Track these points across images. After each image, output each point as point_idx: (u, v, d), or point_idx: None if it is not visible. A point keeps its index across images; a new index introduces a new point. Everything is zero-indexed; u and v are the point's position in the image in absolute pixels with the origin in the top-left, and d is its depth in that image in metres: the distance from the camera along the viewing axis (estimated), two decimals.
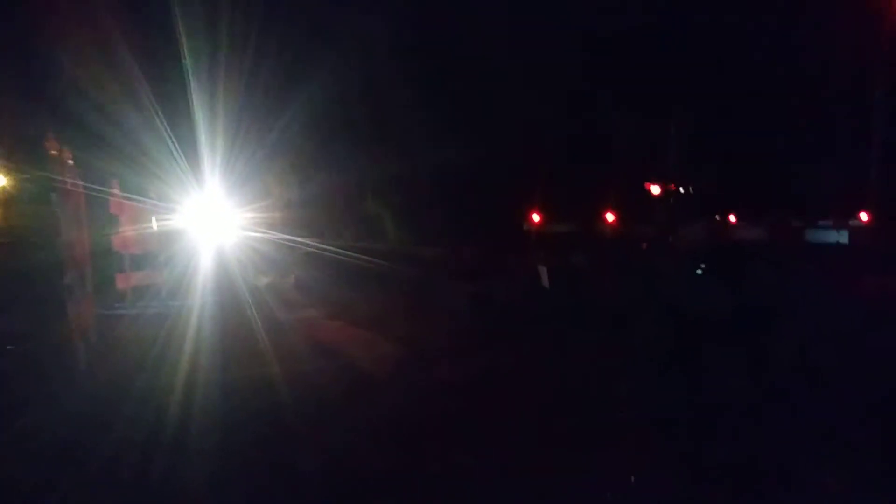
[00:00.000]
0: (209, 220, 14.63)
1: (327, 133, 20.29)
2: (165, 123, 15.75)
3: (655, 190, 17.32)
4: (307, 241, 17.44)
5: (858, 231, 17.37)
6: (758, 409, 6.48)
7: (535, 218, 17.39)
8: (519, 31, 18.45)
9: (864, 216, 18.57)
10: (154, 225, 13.02)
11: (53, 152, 7.95)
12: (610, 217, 16.10)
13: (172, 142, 15.38)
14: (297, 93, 18.41)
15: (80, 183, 8.63)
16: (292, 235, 17.86)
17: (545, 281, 12.80)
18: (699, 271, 11.99)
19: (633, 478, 5.19)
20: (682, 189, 17.50)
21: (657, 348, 8.69)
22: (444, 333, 10.44)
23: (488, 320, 11.27)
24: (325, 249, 16.81)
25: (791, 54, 16.83)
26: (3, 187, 33.87)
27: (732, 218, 18.03)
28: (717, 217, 15.84)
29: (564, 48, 18.90)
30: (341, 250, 16.53)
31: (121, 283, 11.58)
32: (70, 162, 8.30)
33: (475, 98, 19.85)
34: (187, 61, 17.62)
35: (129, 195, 12.24)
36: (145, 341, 8.96)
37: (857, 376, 7.19)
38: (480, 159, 19.29)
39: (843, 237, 17.04)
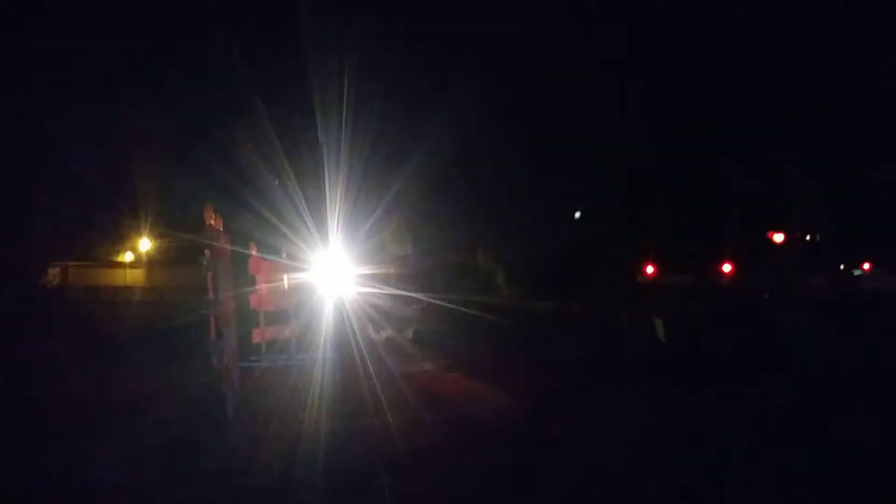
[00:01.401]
0: (332, 277, 15.61)
1: (440, 191, 21.10)
2: (296, 189, 17.25)
3: (778, 238, 16.69)
4: (422, 295, 18.13)
5: None
6: None
7: (650, 270, 17.19)
8: (633, 84, 18.70)
9: None
10: (285, 283, 14.02)
11: (211, 221, 8.96)
12: (727, 268, 15.65)
13: (301, 205, 16.81)
14: (412, 155, 19.50)
15: (229, 246, 9.59)
16: (407, 290, 18.64)
17: (661, 334, 12.64)
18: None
19: None
20: (806, 237, 16.77)
21: (781, 407, 8.42)
22: (558, 387, 10.56)
23: (602, 374, 11.27)
24: (439, 304, 17.37)
25: None
26: (148, 251, 37.15)
27: (866, 266, 17.00)
28: (843, 266, 15.01)
29: (681, 98, 18.92)
30: (455, 305, 16.99)
31: (256, 337, 12.49)
32: (221, 228, 9.29)
33: (588, 151, 20.12)
34: (319, 132, 19.28)
35: (264, 255, 13.32)
36: (280, 392, 9.72)
37: None
38: (592, 212, 19.41)
39: None
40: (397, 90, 19.78)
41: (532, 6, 19.97)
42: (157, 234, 33.49)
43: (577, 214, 21.37)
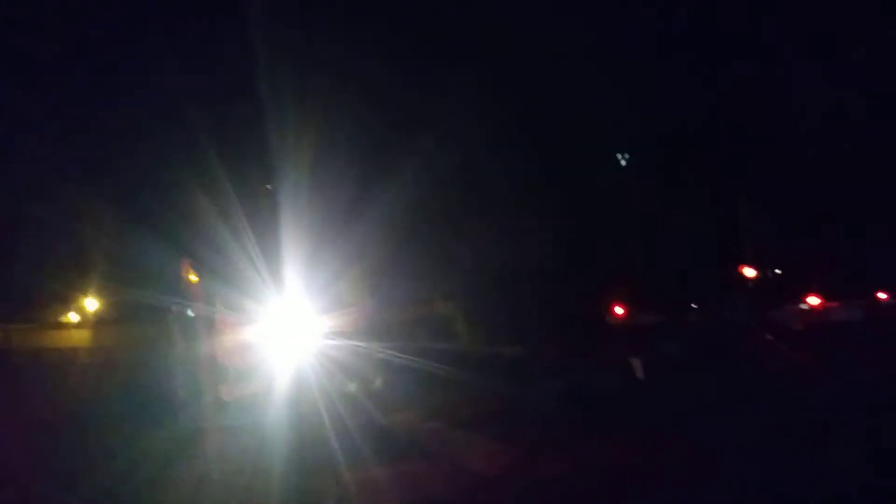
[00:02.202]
0: (293, 330, 15.33)
1: (399, 242, 21.09)
2: (256, 247, 16.92)
3: (749, 273, 17.13)
4: (383, 345, 17.87)
5: None
6: None
7: (619, 311, 17.42)
8: (591, 128, 19.23)
9: None
10: (252, 339, 13.70)
11: (192, 277, 8.72)
12: (695, 305, 16.01)
13: (262, 261, 16.50)
14: (368, 206, 19.49)
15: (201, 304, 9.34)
16: (368, 341, 18.36)
17: (640, 373, 12.74)
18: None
19: None
20: (767, 272, 17.33)
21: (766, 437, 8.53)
22: (541, 430, 10.46)
23: (583, 415, 11.23)
24: (402, 354, 17.15)
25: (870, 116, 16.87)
26: (96, 311, 35.84)
27: (816, 300, 17.61)
28: (807, 299, 15.56)
29: (635, 141, 19.56)
30: (418, 355, 16.80)
31: (225, 394, 12.10)
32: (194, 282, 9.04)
33: (547, 196, 20.48)
34: (275, 182, 19.12)
35: (230, 310, 13.00)
36: (259, 452, 9.34)
37: None
38: (553, 256, 19.66)
39: None
40: (356, 143, 19.88)
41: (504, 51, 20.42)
42: (105, 292, 32.31)
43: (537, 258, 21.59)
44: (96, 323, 33.92)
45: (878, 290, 16.63)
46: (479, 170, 20.78)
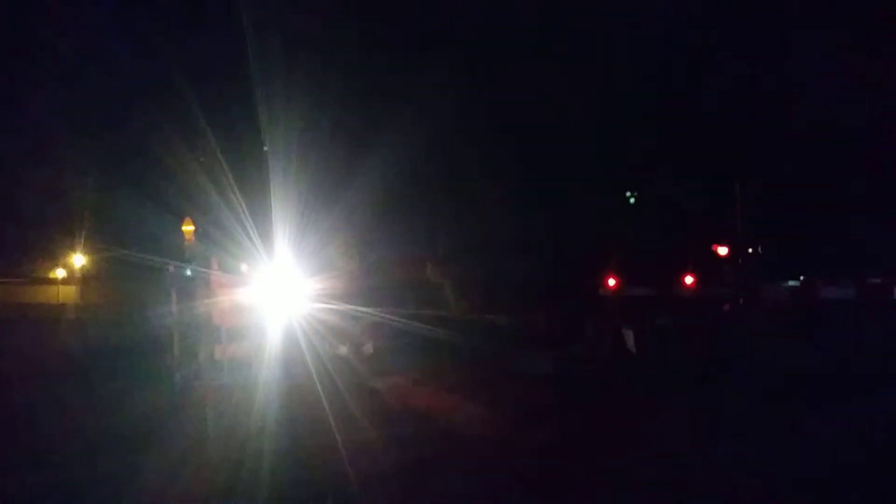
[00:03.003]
0: (285, 293, 15.35)
1: (389, 205, 21.03)
2: (245, 209, 16.85)
3: (723, 251, 17.36)
4: (374, 310, 17.96)
5: None
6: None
7: (611, 282, 17.58)
8: (589, 99, 19.13)
9: None
10: (247, 300, 13.70)
11: (188, 237, 8.69)
12: (689, 280, 16.20)
13: (248, 220, 16.45)
14: (361, 169, 19.39)
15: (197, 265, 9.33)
16: (359, 305, 18.44)
17: (631, 344, 12.92)
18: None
19: None
20: (751, 250, 17.52)
21: (752, 409, 8.75)
22: (534, 398, 10.64)
23: (575, 383, 11.42)
24: (391, 319, 17.24)
25: (859, 101, 16.92)
26: (83, 266, 35.60)
27: (802, 278, 17.82)
28: (802, 277, 15.79)
29: (629, 112, 19.47)
30: (408, 319, 16.89)
31: (219, 353, 12.13)
32: (194, 244, 9.02)
33: (544, 165, 20.43)
34: (266, 145, 18.98)
35: (224, 272, 12.96)
36: (253, 412, 9.44)
37: None
38: (551, 226, 19.69)
39: None
40: (347, 104, 19.68)
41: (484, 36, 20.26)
42: (93, 249, 32.09)
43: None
44: (84, 279, 33.82)
45: (868, 270, 16.91)
46: (473, 137, 20.67)
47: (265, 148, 18.44)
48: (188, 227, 9.01)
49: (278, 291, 15.12)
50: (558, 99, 19.36)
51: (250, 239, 15.85)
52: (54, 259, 33.15)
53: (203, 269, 11.66)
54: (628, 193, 21.62)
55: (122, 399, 10.52)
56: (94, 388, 11.43)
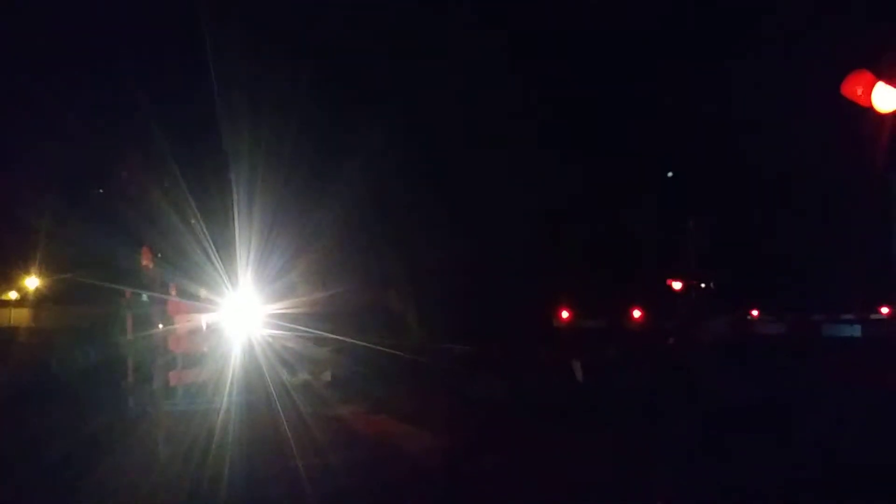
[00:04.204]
0: (243, 319, 15.38)
1: (351, 232, 21.24)
2: (207, 235, 16.88)
3: (677, 286, 17.97)
4: (334, 337, 18.05)
5: (875, 324, 17.83)
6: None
7: (564, 314, 18.06)
8: (542, 134, 19.74)
9: (885, 310, 19.01)
10: (203, 325, 13.72)
11: (146, 263, 8.81)
12: (637, 313, 16.75)
13: (209, 245, 16.47)
14: (324, 195, 19.61)
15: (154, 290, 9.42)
16: (319, 332, 18.50)
17: (579, 375, 13.31)
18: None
19: None
20: (702, 284, 18.20)
21: (690, 438, 9.17)
22: (483, 426, 10.89)
23: (525, 413, 11.71)
24: (352, 345, 17.35)
25: (804, 146, 17.74)
26: (37, 289, 34.82)
27: (755, 312, 18.55)
28: (739, 312, 16.47)
29: (587, 150, 20.18)
30: (369, 345, 17.04)
31: (174, 380, 12.12)
32: (151, 269, 9.14)
33: (500, 197, 20.95)
34: (229, 169, 19.07)
35: (181, 297, 12.99)
36: (203, 436, 9.50)
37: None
38: (508, 258, 20.15)
39: (856, 331, 17.47)
40: (308, 134, 19.94)
41: (452, 54, 20.71)
42: (48, 272, 31.49)
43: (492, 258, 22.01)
44: (37, 302, 33.07)
45: (807, 308, 17.72)
46: (434, 167, 21.09)
47: (227, 174, 18.53)
48: (146, 253, 9.11)
49: (238, 317, 15.15)
50: (518, 139, 19.96)
51: (212, 264, 15.87)
52: (8, 281, 32.45)
53: (160, 295, 11.72)
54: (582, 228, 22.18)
55: (74, 425, 10.47)
56: (44, 413, 11.33)
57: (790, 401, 9.80)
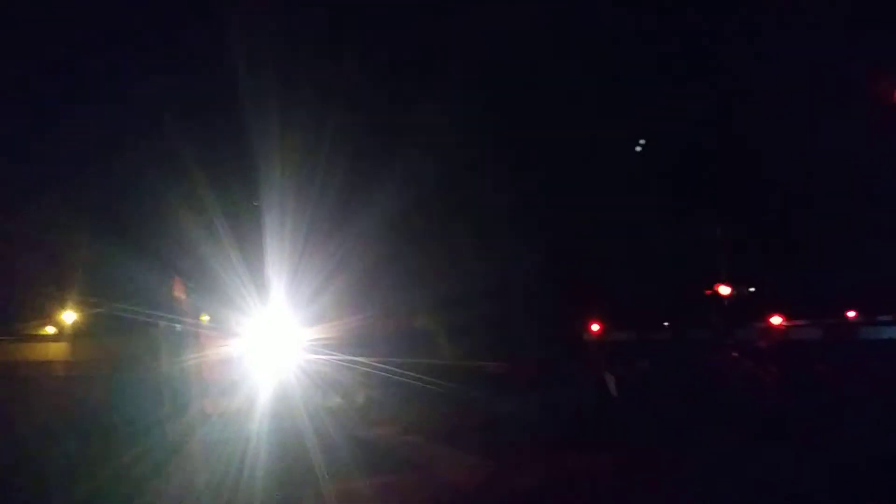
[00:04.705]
0: (275, 345, 15.54)
1: (380, 257, 21.30)
2: (239, 262, 17.10)
3: (725, 291, 17.69)
4: (365, 360, 18.10)
5: None
6: None
7: (595, 328, 17.91)
8: (569, 147, 19.67)
9: None
10: (236, 352, 13.91)
11: (178, 293, 8.98)
12: (667, 323, 16.56)
13: (242, 272, 16.68)
14: (350, 223, 19.74)
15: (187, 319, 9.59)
16: (350, 356, 18.57)
17: (613, 390, 13.15)
18: None
19: None
20: (737, 291, 17.90)
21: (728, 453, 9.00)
22: (516, 445, 10.78)
23: (560, 429, 11.58)
24: (384, 368, 17.37)
25: (833, 145, 17.46)
26: (74, 322, 35.55)
27: (777, 319, 18.16)
28: (773, 319, 16.18)
29: (613, 159, 20.05)
30: (400, 368, 17.05)
31: (209, 407, 12.29)
32: (185, 299, 9.30)
33: (528, 215, 20.88)
34: (259, 197, 19.31)
35: (214, 326, 13.20)
36: (242, 465, 9.57)
37: None
38: (537, 273, 20.04)
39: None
40: (338, 160, 20.12)
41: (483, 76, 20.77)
42: (84, 305, 32.07)
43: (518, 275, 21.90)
44: (74, 336, 33.65)
45: (842, 311, 17.34)
46: (463, 187, 21.14)
47: (255, 203, 18.73)
48: (178, 283, 9.30)
49: (272, 343, 15.33)
50: (541, 154, 19.92)
51: (244, 292, 16.09)
52: (45, 316, 33.08)
53: (194, 324, 11.94)
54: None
55: (113, 455, 10.61)
56: (85, 444, 11.50)
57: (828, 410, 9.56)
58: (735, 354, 14.42)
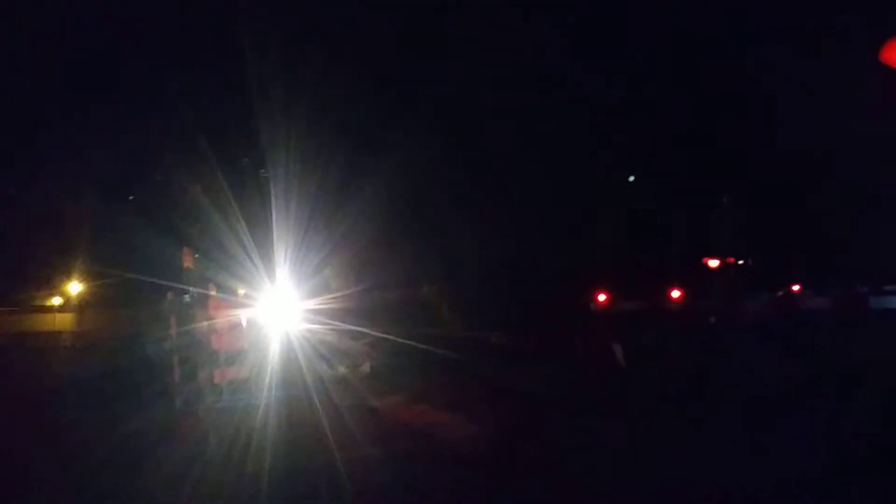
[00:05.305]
0: (281, 315, 15.56)
1: (384, 228, 21.29)
2: (246, 232, 17.08)
3: (713, 264, 17.70)
4: (369, 330, 18.17)
5: None
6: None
7: (601, 297, 17.91)
8: (574, 118, 19.52)
9: None
10: (244, 323, 13.92)
11: (186, 263, 8.96)
12: (676, 293, 16.54)
13: (249, 243, 16.68)
14: (358, 194, 19.69)
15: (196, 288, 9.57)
16: (354, 326, 18.64)
17: (621, 359, 13.18)
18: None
19: None
20: (740, 262, 17.88)
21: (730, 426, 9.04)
22: (527, 413, 10.86)
23: (567, 400, 11.63)
24: (387, 338, 17.43)
25: (838, 114, 17.30)
26: (80, 293, 35.61)
27: (796, 288, 18.16)
28: (781, 290, 16.16)
29: (615, 131, 19.90)
30: (403, 339, 17.10)
31: (218, 377, 12.33)
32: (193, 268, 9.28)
33: (533, 185, 20.81)
34: (266, 169, 19.25)
35: (222, 295, 13.20)
36: (251, 432, 9.64)
37: None
38: (542, 244, 20.02)
39: None
40: (345, 130, 20.01)
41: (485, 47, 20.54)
42: (90, 275, 32.16)
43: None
44: (80, 306, 33.81)
45: (850, 280, 17.29)
46: (466, 158, 21.04)
47: (263, 173, 18.67)
48: (188, 253, 9.26)
49: (277, 313, 15.35)
50: (543, 123, 19.76)
51: (251, 261, 16.08)
52: (51, 286, 33.21)
53: (202, 293, 11.93)
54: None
55: (123, 424, 10.69)
56: (94, 413, 11.58)
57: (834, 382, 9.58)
58: (741, 324, 14.40)
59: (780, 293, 16.11)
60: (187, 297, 9.51)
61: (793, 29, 18.25)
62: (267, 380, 12.88)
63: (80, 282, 33.40)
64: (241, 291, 14.47)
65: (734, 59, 19.62)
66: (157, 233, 19.39)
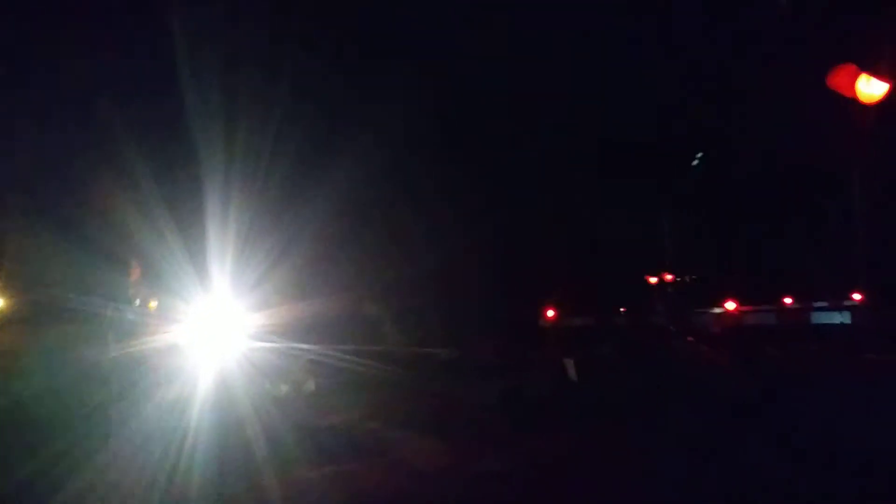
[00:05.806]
0: (222, 332, 15.01)
1: (327, 243, 20.89)
2: (183, 247, 16.39)
3: (653, 280, 18.00)
4: (312, 347, 17.67)
5: (857, 310, 18.09)
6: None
7: (550, 314, 17.95)
8: (523, 135, 19.62)
9: (857, 296, 19.30)
10: (180, 339, 13.35)
11: (134, 277, 8.45)
12: (623, 309, 16.74)
13: (189, 262, 16.03)
14: (299, 208, 19.25)
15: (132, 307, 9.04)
16: (296, 343, 18.09)
17: (572, 374, 13.13)
18: None
19: None
20: (680, 278, 18.22)
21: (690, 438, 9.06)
22: (478, 429, 10.64)
23: (519, 415, 11.48)
24: (332, 355, 16.98)
25: (775, 140, 17.91)
26: (1, 309, 33.73)
27: (731, 305, 18.64)
28: (727, 304, 16.55)
29: (564, 147, 20.09)
30: (349, 355, 16.71)
31: (150, 394, 11.73)
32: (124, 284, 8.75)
33: (482, 200, 20.79)
34: (202, 181, 18.57)
35: (157, 312, 12.60)
36: (187, 451, 9.07)
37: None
38: (489, 258, 19.97)
39: (845, 317, 17.72)
40: (283, 145, 19.57)
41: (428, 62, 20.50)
42: (12, 292, 30.39)
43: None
44: (4, 323, 31.90)
45: (785, 297, 17.86)
46: (411, 171, 20.89)
47: (202, 187, 18.01)
48: (119, 269, 8.75)
49: (217, 330, 14.77)
50: (499, 141, 19.81)
51: (188, 279, 15.41)
52: None
53: (139, 311, 11.34)
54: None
55: (42, 446, 9.92)
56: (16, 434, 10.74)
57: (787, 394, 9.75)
58: (690, 339, 14.62)
59: (721, 309, 16.50)
60: (123, 315, 8.94)
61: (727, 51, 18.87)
62: (204, 399, 12.31)
63: (3, 298, 31.60)
64: (179, 309, 13.87)
65: (675, 79, 20.17)
66: (86, 248, 18.45)
